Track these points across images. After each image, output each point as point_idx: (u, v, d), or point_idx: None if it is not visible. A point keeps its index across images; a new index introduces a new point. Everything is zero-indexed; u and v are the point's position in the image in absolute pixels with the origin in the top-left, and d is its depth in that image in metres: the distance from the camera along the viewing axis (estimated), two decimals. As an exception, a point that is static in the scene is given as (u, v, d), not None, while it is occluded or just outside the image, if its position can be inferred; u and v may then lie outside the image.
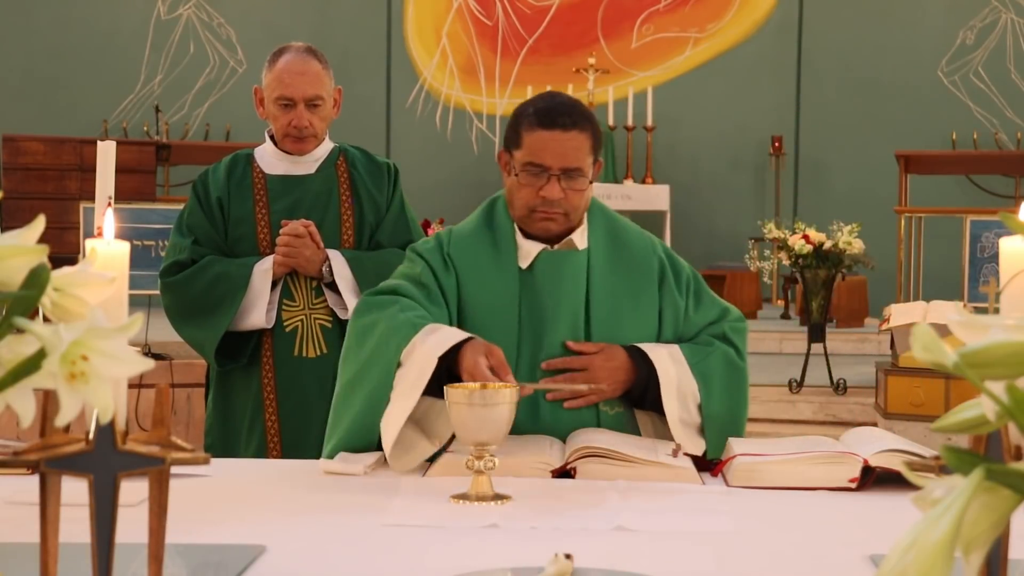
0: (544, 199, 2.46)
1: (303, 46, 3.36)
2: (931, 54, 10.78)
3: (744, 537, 1.81)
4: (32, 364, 1.10)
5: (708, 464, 2.30)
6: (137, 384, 5.38)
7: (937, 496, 0.91)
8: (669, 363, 2.45)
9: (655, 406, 2.46)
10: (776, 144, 10.66)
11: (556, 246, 2.54)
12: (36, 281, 1.13)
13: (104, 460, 1.23)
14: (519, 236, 2.55)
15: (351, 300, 3.25)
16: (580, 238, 2.55)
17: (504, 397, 2.01)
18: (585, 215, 2.57)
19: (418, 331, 2.34)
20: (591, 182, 2.51)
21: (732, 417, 2.50)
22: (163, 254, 3.54)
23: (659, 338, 2.54)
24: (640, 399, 2.47)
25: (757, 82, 10.84)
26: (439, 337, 2.32)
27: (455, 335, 2.32)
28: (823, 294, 7.19)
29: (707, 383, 2.46)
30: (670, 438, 2.42)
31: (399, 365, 2.32)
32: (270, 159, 3.38)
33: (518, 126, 2.50)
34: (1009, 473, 0.91)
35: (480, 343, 2.29)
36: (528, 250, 2.53)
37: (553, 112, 2.47)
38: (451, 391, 2.03)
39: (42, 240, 1.15)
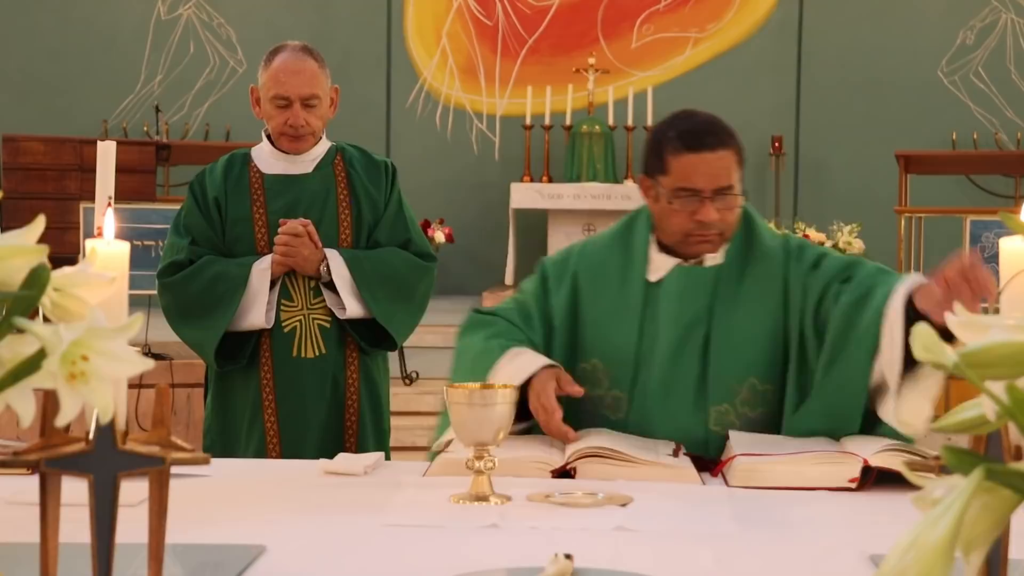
0: (700, 223, 2.42)
1: (299, 45, 3.35)
2: (931, 54, 10.77)
3: (744, 537, 1.81)
4: (32, 364, 1.10)
5: (708, 464, 2.30)
6: (137, 384, 5.37)
7: (937, 496, 0.91)
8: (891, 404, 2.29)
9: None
10: (776, 144, 10.66)
11: (691, 261, 2.50)
12: (36, 281, 1.13)
13: (104, 460, 1.23)
14: (653, 250, 2.51)
15: (349, 300, 3.25)
16: (718, 255, 2.50)
17: (504, 397, 2.01)
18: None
19: (504, 353, 2.40)
20: (742, 196, 2.46)
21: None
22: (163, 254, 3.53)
23: (785, 334, 2.43)
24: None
25: (757, 82, 10.83)
26: (518, 364, 2.37)
27: (529, 364, 2.36)
28: (823, 294, 7.18)
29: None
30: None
31: None
32: (267, 158, 3.37)
33: (661, 151, 2.46)
34: (1009, 473, 0.91)
35: (549, 377, 2.32)
36: (660, 264, 2.50)
37: (699, 133, 2.43)
38: (451, 391, 2.03)
39: (42, 240, 1.15)
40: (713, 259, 2.49)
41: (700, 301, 2.46)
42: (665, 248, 2.51)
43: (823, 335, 2.39)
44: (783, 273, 2.48)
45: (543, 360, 2.39)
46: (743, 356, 2.42)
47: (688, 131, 2.43)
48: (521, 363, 2.37)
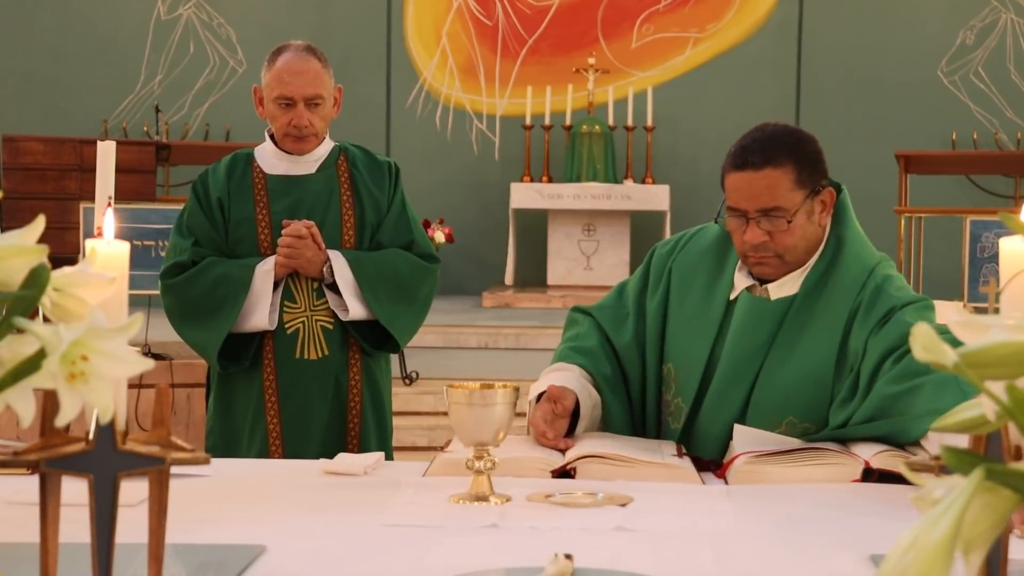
0: (748, 243, 2.35)
1: (302, 45, 3.34)
2: (931, 54, 10.77)
3: (744, 537, 1.81)
4: (32, 364, 1.10)
5: (709, 464, 2.30)
6: (137, 384, 5.37)
7: (937, 496, 0.91)
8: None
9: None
10: (776, 144, 10.65)
11: (758, 290, 2.42)
12: (36, 281, 1.13)
13: (104, 460, 1.23)
14: (738, 267, 2.46)
15: (352, 301, 3.24)
16: (791, 283, 2.39)
17: (504, 397, 2.01)
18: (818, 251, 2.41)
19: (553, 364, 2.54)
20: (799, 217, 2.34)
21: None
22: (163, 254, 3.52)
23: (833, 385, 2.33)
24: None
25: (757, 82, 10.83)
26: (543, 380, 2.47)
27: (549, 379, 2.44)
28: (823, 294, 7.19)
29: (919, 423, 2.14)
30: None
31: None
32: (270, 159, 3.37)
33: (724, 169, 2.41)
34: (1009, 473, 0.90)
35: (553, 393, 2.37)
36: (737, 284, 2.45)
37: (746, 150, 2.35)
38: (451, 391, 2.03)
39: (42, 240, 1.15)
40: (781, 290, 2.40)
41: (761, 334, 2.39)
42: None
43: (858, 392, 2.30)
44: (848, 314, 2.35)
45: (573, 382, 2.44)
46: (786, 397, 2.36)
47: (741, 148, 2.37)
48: (549, 378, 2.46)
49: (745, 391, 2.40)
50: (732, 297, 2.45)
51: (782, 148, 2.35)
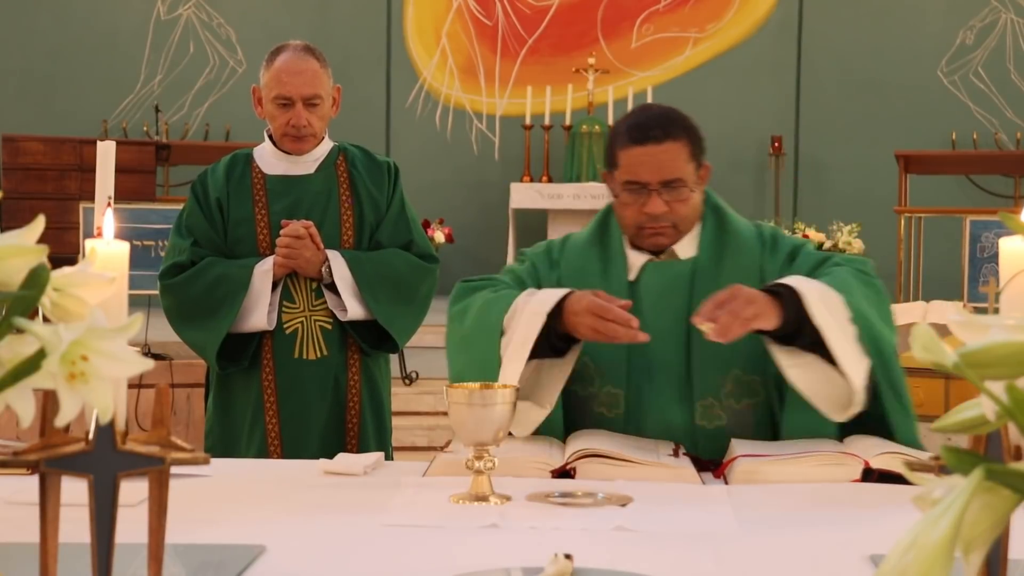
0: (648, 215, 2.45)
1: (301, 44, 3.33)
2: (931, 54, 10.78)
3: (744, 537, 1.81)
4: (32, 364, 1.10)
5: (708, 464, 2.30)
6: (137, 384, 5.38)
7: (937, 496, 0.91)
8: (802, 281, 2.30)
9: (808, 345, 2.28)
10: (776, 144, 10.66)
11: (661, 257, 2.51)
12: (36, 281, 1.13)
13: (104, 460, 1.23)
14: (627, 248, 2.53)
15: (350, 301, 3.24)
16: (687, 246, 2.51)
17: (503, 397, 2.01)
18: (698, 221, 2.53)
19: (518, 296, 2.40)
20: (695, 188, 2.46)
21: (885, 323, 2.37)
22: (163, 254, 3.52)
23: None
24: (794, 334, 2.29)
25: (757, 82, 10.83)
26: (540, 297, 2.36)
27: (556, 292, 2.35)
28: (823, 294, 7.18)
29: (848, 290, 2.31)
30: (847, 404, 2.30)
31: (502, 333, 2.35)
32: (269, 159, 3.37)
33: (614, 145, 2.49)
34: (1009, 473, 0.91)
35: (584, 292, 2.30)
36: (633, 262, 2.51)
37: (644, 126, 2.45)
38: (451, 391, 2.03)
39: (42, 240, 1.15)
40: (686, 252, 2.50)
41: (679, 296, 2.47)
42: (636, 245, 2.53)
43: None
44: (759, 264, 2.50)
45: (565, 290, 2.35)
46: (725, 348, 2.35)
47: (636, 124, 2.46)
48: (543, 296, 2.35)
49: (682, 355, 2.43)
50: (633, 278, 2.50)
51: (678, 123, 2.47)
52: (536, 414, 2.37)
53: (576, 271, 2.54)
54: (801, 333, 2.27)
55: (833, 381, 2.28)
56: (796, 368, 2.30)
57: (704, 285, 2.44)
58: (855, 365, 2.26)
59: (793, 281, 2.30)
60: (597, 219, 2.62)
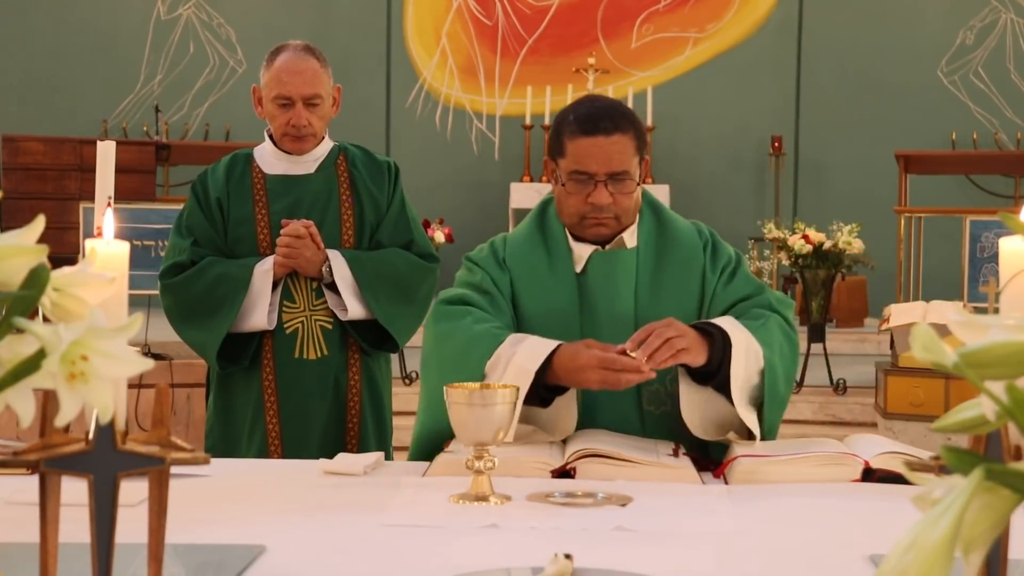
0: (593, 205, 2.46)
1: (301, 44, 3.33)
2: (931, 54, 10.78)
3: (744, 537, 1.81)
4: (32, 364, 1.10)
5: (708, 464, 2.30)
6: (137, 384, 5.38)
7: (937, 496, 0.91)
8: (735, 329, 2.37)
9: (720, 386, 2.35)
10: (776, 144, 10.66)
11: (607, 247, 2.53)
12: (36, 281, 1.13)
13: (104, 460, 1.23)
14: (570, 239, 2.54)
15: (351, 301, 3.24)
16: (630, 237, 2.54)
17: (504, 397, 2.01)
18: (637, 213, 2.56)
19: (500, 342, 2.36)
20: (639, 182, 2.50)
21: (788, 384, 2.47)
22: (163, 254, 3.52)
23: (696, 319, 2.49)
24: (714, 371, 2.35)
25: (757, 82, 10.83)
26: (526, 350, 2.32)
27: (542, 345, 2.31)
28: (823, 294, 7.20)
29: (769, 345, 2.40)
30: (716, 431, 2.39)
31: (484, 376, 2.33)
32: (270, 159, 3.36)
33: (560, 134, 2.49)
34: (1009, 473, 0.90)
35: (578, 346, 2.29)
36: (580, 253, 2.53)
37: (594, 117, 2.45)
38: (451, 391, 2.03)
39: (42, 240, 1.15)
40: (624, 243, 2.53)
41: (627, 284, 2.50)
42: (577, 236, 2.54)
43: None
44: (701, 268, 2.54)
45: (550, 341, 2.34)
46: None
47: (585, 115, 2.46)
48: (529, 349, 2.33)
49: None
50: (579, 269, 2.51)
51: (625, 116, 2.49)
52: (547, 437, 2.40)
53: (525, 269, 2.54)
54: (716, 375, 2.35)
55: (719, 410, 2.38)
56: (692, 393, 2.39)
57: (645, 273, 2.51)
58: (748, 415, 2.35)
59: (727, 326, 2.36)
60: (534, 214, 2.63)
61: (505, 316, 2.50)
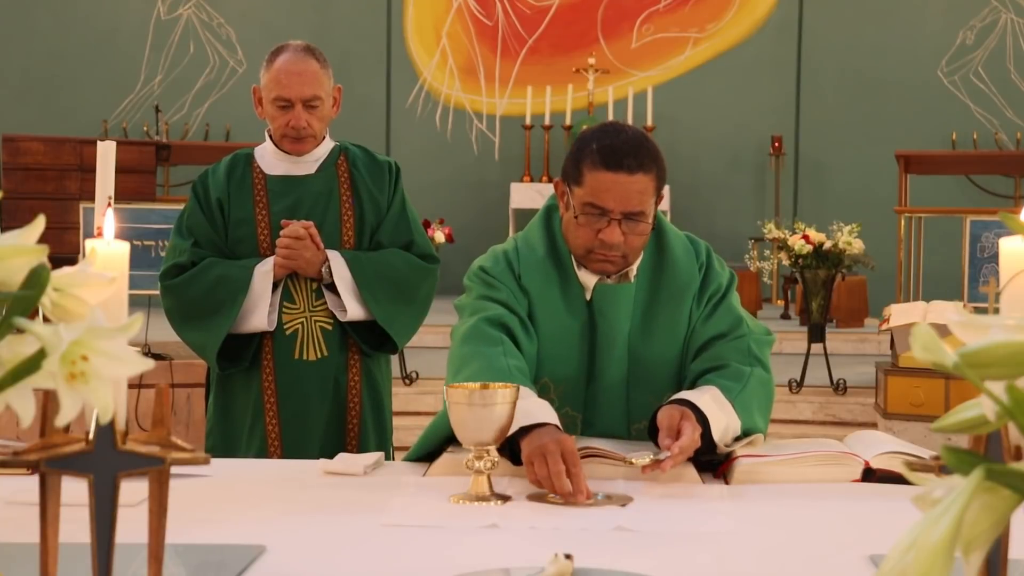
0: (603, 242, 2.36)
1: (301, 45, 3.32)
2: (931, 54, 10.78)
3: (744, 537, 1.81)
4: (32, 364, 1.10)
5: (709, 464, 2.30)
6: (137, 384, 5.38)
7: (937, 496, 0.91)
8: (716, 410, 2.28)
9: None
10: (776, 144, 10.66)
11: (611, 278, 2.45)
12: (36, 281, 1.13)
13: (104, 460, 1.23)
14: (574, 264, 2.46)
15: (350, 302, 3.24)
16: (633, 269, 2.47)
17: (504, 397, 2.01)
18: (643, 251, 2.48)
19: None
20: (651, 222, 2.40)
21: (764, 424, 2.44)
22: (163, 254, 3.52)
23: (682, 350, 2.46)
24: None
25: (757, 82, 10.83)
26: (520, 411, 2.16)
27: (527, 417, 2.16)
28: (823, 294, 7.20)
29: (748, 414, 2.35)
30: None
31: None
32: (270, 159, 3.36)
33: (579, 161, 2.37)
34: (1009, 473, 0.90)
35: (558, 434, 2.13)
36: (586, 282, 2.46)
37: (618, 152, 2.33)
38: (451, 391, 2.03)
39: (42, 240, 1.15)
40: (629, 277, 2.46)
41: (623, 318, 2.45)
42: (579, 261, 2.47)
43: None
44: (692, 298, 2.48)
45: (551, 417, 2.22)
46: (661, 378, 2.43)
47: (609, 148, 2.33)
48: (529, 406, 2.20)
49: (625, 379, 2.44)
50: (588, 298, 2.46)
51: (650, 154, 2.37)
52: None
53: (540, 294, 2.47)
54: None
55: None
56: None
57: (640, 310, 2.46)
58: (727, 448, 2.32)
59: (706, 408, 2.26)
60: (540, 226, 2.53)
61: (534, 343, 2.45)
